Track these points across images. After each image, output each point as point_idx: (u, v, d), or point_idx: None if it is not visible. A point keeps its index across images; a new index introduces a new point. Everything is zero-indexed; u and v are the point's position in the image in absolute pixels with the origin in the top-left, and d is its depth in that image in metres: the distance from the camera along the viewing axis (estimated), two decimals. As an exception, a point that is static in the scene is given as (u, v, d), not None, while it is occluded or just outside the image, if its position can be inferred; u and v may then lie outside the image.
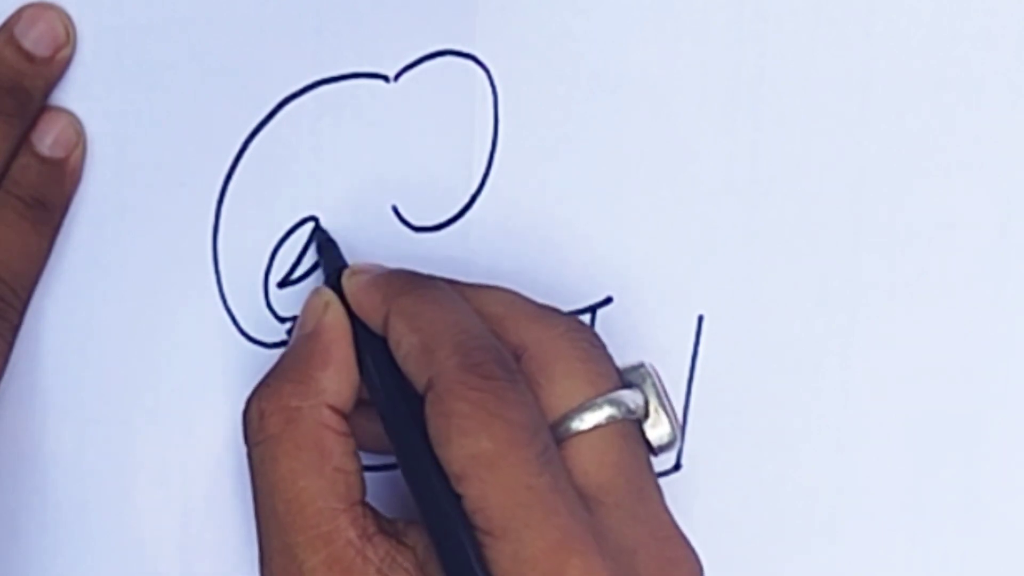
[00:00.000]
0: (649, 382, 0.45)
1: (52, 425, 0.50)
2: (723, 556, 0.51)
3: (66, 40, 0.48)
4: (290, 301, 0.50)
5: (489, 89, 0.50)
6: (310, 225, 0.50)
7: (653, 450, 0.45)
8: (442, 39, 0.49)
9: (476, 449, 0.42)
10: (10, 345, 0.49)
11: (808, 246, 0.50)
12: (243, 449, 0.49)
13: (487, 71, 0.50)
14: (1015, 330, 0.51)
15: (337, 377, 0.46)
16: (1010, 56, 0.50)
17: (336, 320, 0.46)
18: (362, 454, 0.46)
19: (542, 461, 0.43)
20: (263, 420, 0.45)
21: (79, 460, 0.50)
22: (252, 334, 0.50)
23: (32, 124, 0.49)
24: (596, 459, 0.44)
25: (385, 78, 0.49)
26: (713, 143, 0.50)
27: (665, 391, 0.46)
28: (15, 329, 0.49)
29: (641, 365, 0.46)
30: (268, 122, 0.49)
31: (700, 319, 0.51)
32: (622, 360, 0.46)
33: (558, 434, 0.44)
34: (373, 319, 0.46)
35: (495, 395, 0.43)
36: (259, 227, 0.50)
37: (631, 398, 0.45)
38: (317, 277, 0.50)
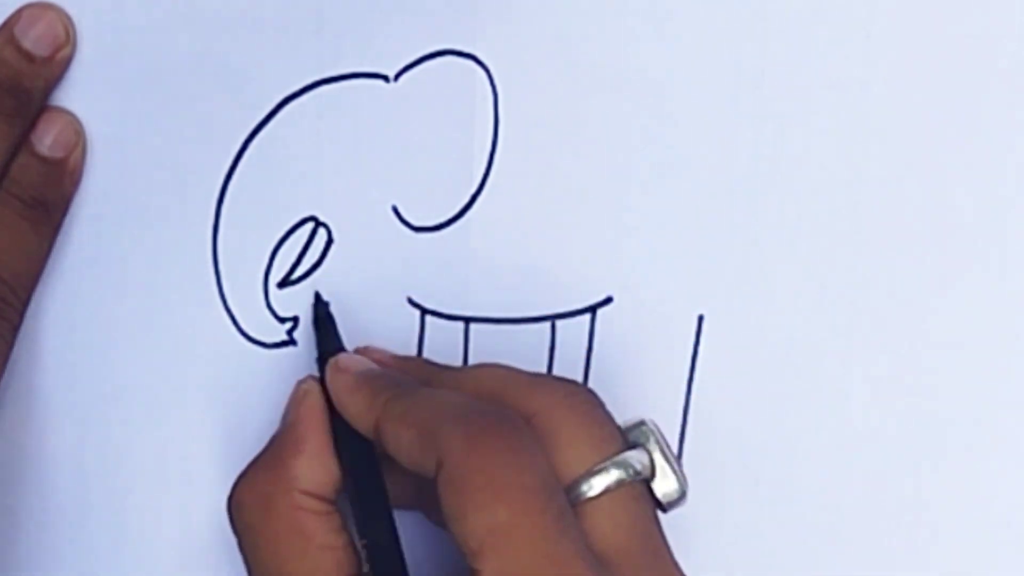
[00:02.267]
0: (652, 440, 0.45)
1: (52, 425, 0.50)
2: (723, 555, 0.51)
3: (66, 40, 0.48)
4: (290, 301, 0.50)
5: (489, 89, 0.50)
6: (310, 225, 0.50)
7: (662, 506, 0.45)
8: (442, 39, 0.49)
9: (492, 522, 0.42)
10: (10, 345, 0.49)
11: (808, 246, 0.50)
12: (242, 449, 0.49)
13: (487, 71, 0.50)
14: (1015, 330, 0.51)
15: (310, 464, 0.46)
16: (1010, 56, 0.50)
17: (311, 410, 0.47)
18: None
19: (560, 527, 0.42)
20: (241, 511, 0.46)
21: (79, 460, 0.50)
22: (252, 334, 0.50)
23: (32, 124, 0.49)
24: (610, 523, 0.44)
25: (385, 78, 0.49)
26: (713, 143, 0.50)
27: (668, 446, 0.45)
28: (15, 329, 0.49)
29: (642, 423, 0.45)
30: (268, 122, 0.49)
31: (700, 319, 0.51)
32: (621, 417, 0.46)
33: (569, 500, 0.43)
34: (361, 425, 0.46)
35: (507, 461, 0.42)
36: (259, 227, 0.50)
37: (637, 459, 0.44)
38: (317, 277, 0.50)
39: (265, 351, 0.50)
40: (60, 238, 0.50)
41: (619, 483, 0.44)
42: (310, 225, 0.50)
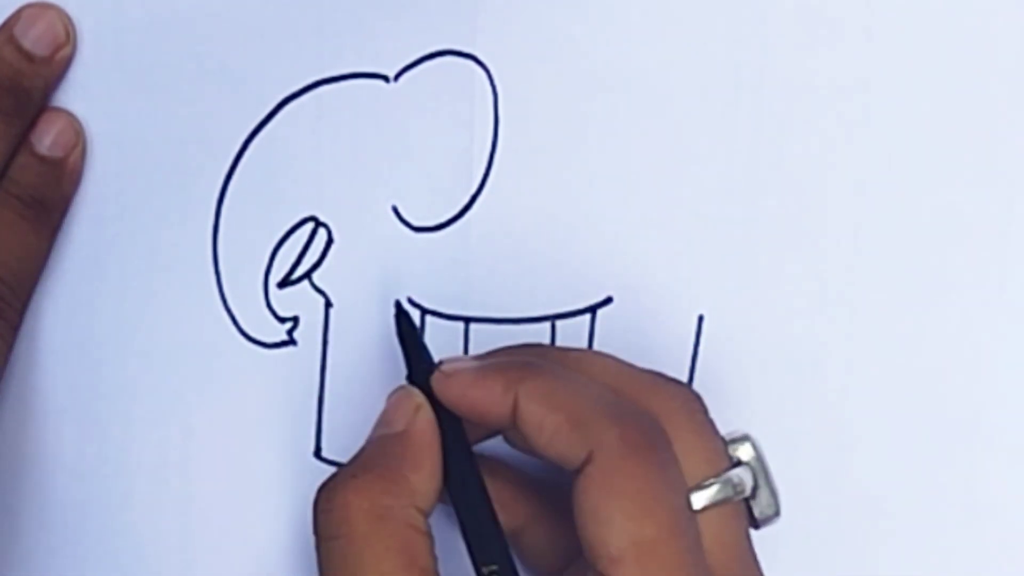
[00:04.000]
0: (754, 457, 0.45)
1: (52, 425, 0.50)
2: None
3: (66, 40, 0.48)
4: (290, 301, 0.50)
5: (489, 89, 0.50)
6: (310, 225, 0.50)
7: (755, 523, 0.45)
8: (442, 39, 0.49)
9: (640, 535, 0.41)
10: (10, 345, 0.49)
11: (808, 246, 0.50)
12: (242, 449, 0.49)
13: (487, 71, 0.50)
14: (1015, 330, 0.51)
15: (427, 480, 0.44)
16: (1010, 56, 0.50)
17: (428, 425, 0.45)
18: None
19: (695, 552, 0.42)
20: (349, 513, 0.43)
21: (79, 460, 0.50)
22: (252, 334, 0.50)
23: (31, 124, 0.49)
24: (715, 539, 0.44)
25: (385, 78, 0.49)
26: (713, 143, 0.50)
27: (766, 464, 0.46)
28: (15, 329, 0.49)
29: (747, 437, 0.45)
30: (268, 122, 0.49)
31: (700, 319, 0.51)
32: (725, 428, 0.46)
33: None
34: (496, 411, 0.44)
35: (659, 476, 0.42)
36: (259, 227, 0.50)
37: (743, 477, 0.44)
38: (317, 277, 0.50)
39: (265, 351, 0.50)
40: (60, 238, 0.50)
41: (725, 499, 0.44)
42: (310, 225, 0.50)
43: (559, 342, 0.50)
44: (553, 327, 0.50)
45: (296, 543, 0.50)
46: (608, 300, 0.50)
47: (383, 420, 0.46)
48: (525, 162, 0.50)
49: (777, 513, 0.45)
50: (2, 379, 0.49)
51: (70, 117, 0.49)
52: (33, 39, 0.48)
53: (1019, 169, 0.50)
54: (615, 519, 0.42)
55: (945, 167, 0.50)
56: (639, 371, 0.46)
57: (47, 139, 0.49)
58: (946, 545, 0.50)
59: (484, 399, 0.44)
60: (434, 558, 0.44)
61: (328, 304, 0.50)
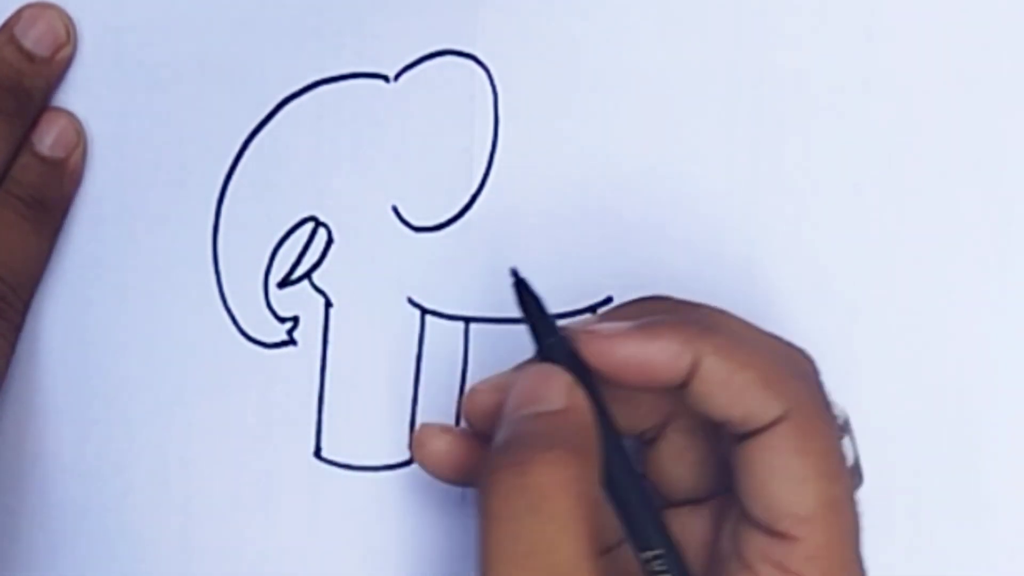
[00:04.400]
0: (849, 428, 0.45)
1: (52, 425, 0.50)
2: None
3: (66, 40, 0.49)
4: (290, 301, 0.50)
5: (489, 89, 0.50)
6: (310, 225, 0.50)
7: None
8: (442, 39, 0.49)
9: (831, 495, 0.41)
10: (12, 345, 0.49)
11: (808, 246, 0.50)
12: (242, 448, 0.49)
13: (487, 71, 0.49)
14: (1015, 330, 0.51)
15: (599, 458, 0.42)
16: (1010, 56, 0.50)
17: (586, 401, 0.43)
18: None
19: (857, 512, 0.42)
20: (549, 491, 0.40)
21: (79, 460, 0.50)
22: (252, 334, 0.50)
23: (33, 124, 0.49)
24: None
25: (385, 78, 0.49)
26: (713, 143, 0.50)
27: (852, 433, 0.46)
28: (17, 329, 0.49)
29: (844, 419, 0.45)
30: (268, 122, 0.49)
31: (700, 319, 0.51)
32: None
33: None
34: (671, 368, 0.42)
35: (837, 438, 0.42)
36: (259, 227, 0.50)
37: (849, 448, 0.44)
38: (317, 277, 0.50)
39: (265, 351, 0.50)
40: (61, 238, 0.50)
41: None
42: (310, 225, 0.50)
43: (559, 342, 0.50)
44: (553, 327, 0.50)
45: (296, 543, 0.50)
46: (608, 300, 0.50)
47: (532, 398, 0.43)
48: (525, 162, 0.50)
49: (859, 483, 0.45)
50: (6, 380, 0.49)
51: (71, 117, 0.49)
52: (34, 39, 0.48)
53: (1019, 169, 0.50)
54: (810, 478, 0.41)
55: (945, 167, 0.50)
56: (763, 336, 0.44)
57: (48, 139, 0.49)
58: (946, 544, 0.49)
59: (659, 356, 0.42)
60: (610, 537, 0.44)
61: (328, 304, 0.50)
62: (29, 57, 0.48)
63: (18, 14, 0.48)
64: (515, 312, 0.46)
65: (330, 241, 0.50)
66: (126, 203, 0.49)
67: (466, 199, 0.50)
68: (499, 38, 0.49)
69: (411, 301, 0.50)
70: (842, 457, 0.42)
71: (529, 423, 0.42)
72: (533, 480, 0.40)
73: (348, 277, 0.50)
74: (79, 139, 0.49)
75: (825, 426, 0.42)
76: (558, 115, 0.50)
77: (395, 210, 0.50)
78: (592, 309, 0.50)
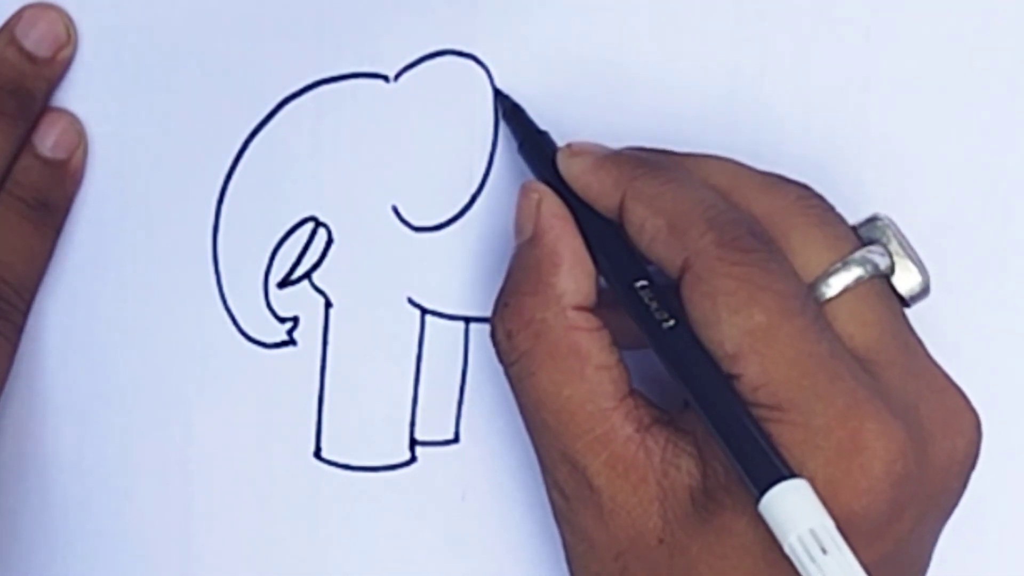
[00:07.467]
0: (889, 233, 0.44)
1: (53, 425, 0.50)
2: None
3: (67, 40, 0.49)
4: (290, 301, 0.50)
5: (489, 89, 0.50)
6: (310, 225, 0.50)
7: (905, 301, 0.44)
8: (442, 39, 0.49)
9: (749, 324, 0.41)
10: (14, 345, 0.49)
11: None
12: (242, 449, 0.49)
13: (487, 71, 0.50)
14: (1015, 330, 0.51)
15: (572, 275, 0.44)
16: (1010, 56, 0.50)
17: (554, 214, 0.45)
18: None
19: (817, 328, 0.41)
20: (512, 340, 0.44)
21: (79, 460, 0.50)
22: (252, 334, 0.50)
23: (34, 125, 0.49)
24: (857, 321, 0.43)
25: (385, 78, 0.49)
26: (713, 143, 0.50)
27: (906, 239, 0.45)
28: (19, 330, 0.49)
29: (876, 218, 0.45)
30: (268, 122, 0.49)
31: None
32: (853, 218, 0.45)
33: None
34: (605, 203, 0.44)
35: (759, 267, 0.42)
36: (259, 227, 0.50)
37: (875, 254, 0.44)
38: (317, 277, 0.50)
39: (265, 351, 0.50)
40: (61, 239, 0.50)
41: (858, 281, 0.43)
42: (310, 225, 0.50)
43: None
44: (553, 327, 0.50)
45: (296, 542, 0.50)
46: (608, 300, 0.50)
47: (516, 230, 0.46)
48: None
49: (926, 287, 0.44)
50: (7, 380, 0.49)
51: (71, 118, 0.49)
52: (35, 40, 0.48)
53: (1019, 169, 0.50)
54: (721, 317, 0.41)
55: (945, 167, 0.50)
56: (755, 173, 0.45)
57: (50, 141, 0.49)
58: (946, 544, 0.49)
59: (596, 188, 0.44)
60: (612, 351, 0.44)
61: (328, 304, 0.50)
62: (30, 58, 0.48)
63: (18, 15, 0.48)
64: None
65: (330, 241, 0.50)
66: (126, 203, 0.49)
67: (466, 199, 0.50)
68: (499, 38, 0.49)
69: (411, 301, 0.50)
70: (766, 284, 0.41)
71: (513, 262, 0.45)
72: (499, 335, 0.45)
73: (348, 277, 0.50)
74: (80, 140, 0.49)
75: (732, 265, 0.42)
76: (558, 115, 0.50)
77: (395, 210, 0.50)
78: (592, 309, 0.50)
